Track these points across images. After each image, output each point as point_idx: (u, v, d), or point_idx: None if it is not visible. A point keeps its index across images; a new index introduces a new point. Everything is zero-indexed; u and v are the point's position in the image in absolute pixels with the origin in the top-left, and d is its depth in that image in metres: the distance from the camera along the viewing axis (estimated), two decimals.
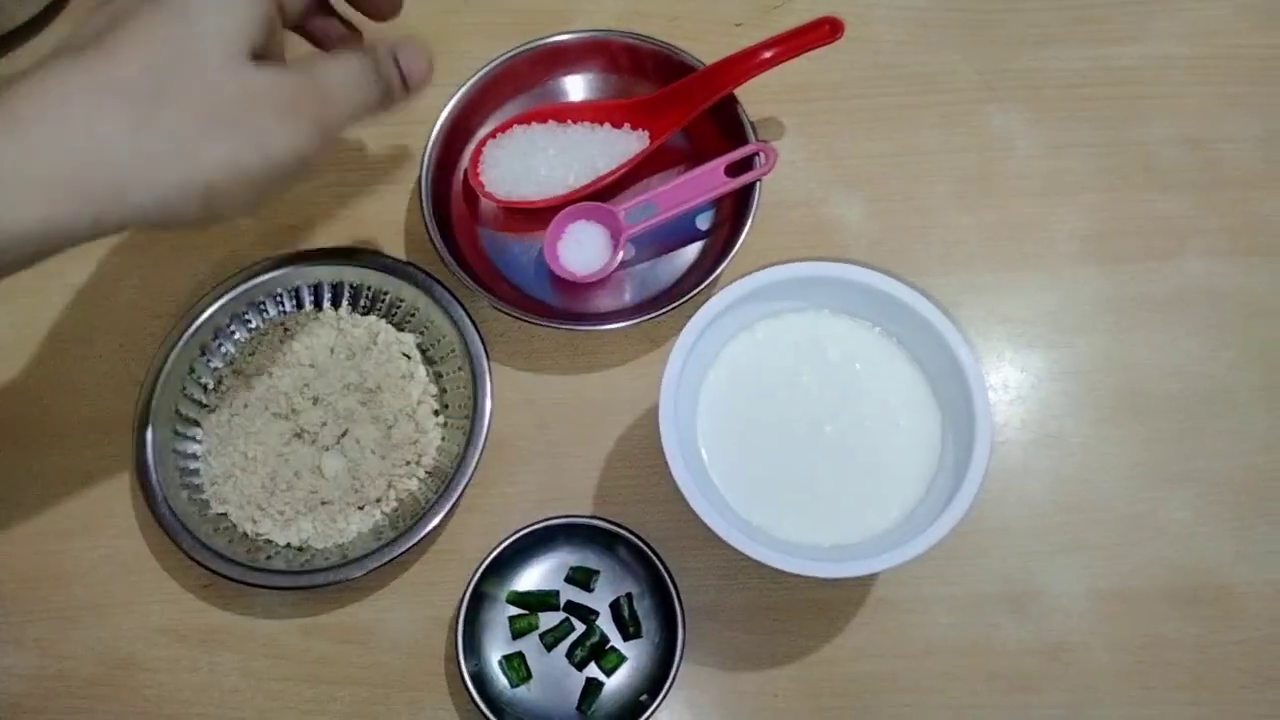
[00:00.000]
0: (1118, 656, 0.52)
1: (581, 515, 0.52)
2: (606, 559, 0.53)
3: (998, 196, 0.62)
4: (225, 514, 0.54)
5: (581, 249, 0.58)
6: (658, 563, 0.51)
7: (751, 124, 0.59)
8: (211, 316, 0.56)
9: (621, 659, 0.51)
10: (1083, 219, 0.61)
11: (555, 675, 0.52)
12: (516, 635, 0.52)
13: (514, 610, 0.53)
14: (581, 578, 0.53)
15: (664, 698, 0.48)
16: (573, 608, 0.53)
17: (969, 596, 0.53)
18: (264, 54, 0.39)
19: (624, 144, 0.61)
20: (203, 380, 0.56)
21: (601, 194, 0.60)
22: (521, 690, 0.51)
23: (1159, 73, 0.64)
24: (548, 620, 0.53)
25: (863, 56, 0.65)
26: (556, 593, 0.53)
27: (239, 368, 0.56)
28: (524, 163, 0.60)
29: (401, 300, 0.57)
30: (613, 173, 0.60)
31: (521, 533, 0.51)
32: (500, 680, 0.51)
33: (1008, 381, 0.58)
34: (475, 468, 0.52)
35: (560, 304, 0.59)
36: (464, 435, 0.53)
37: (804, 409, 0.49)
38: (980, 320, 0.59)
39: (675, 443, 0.46)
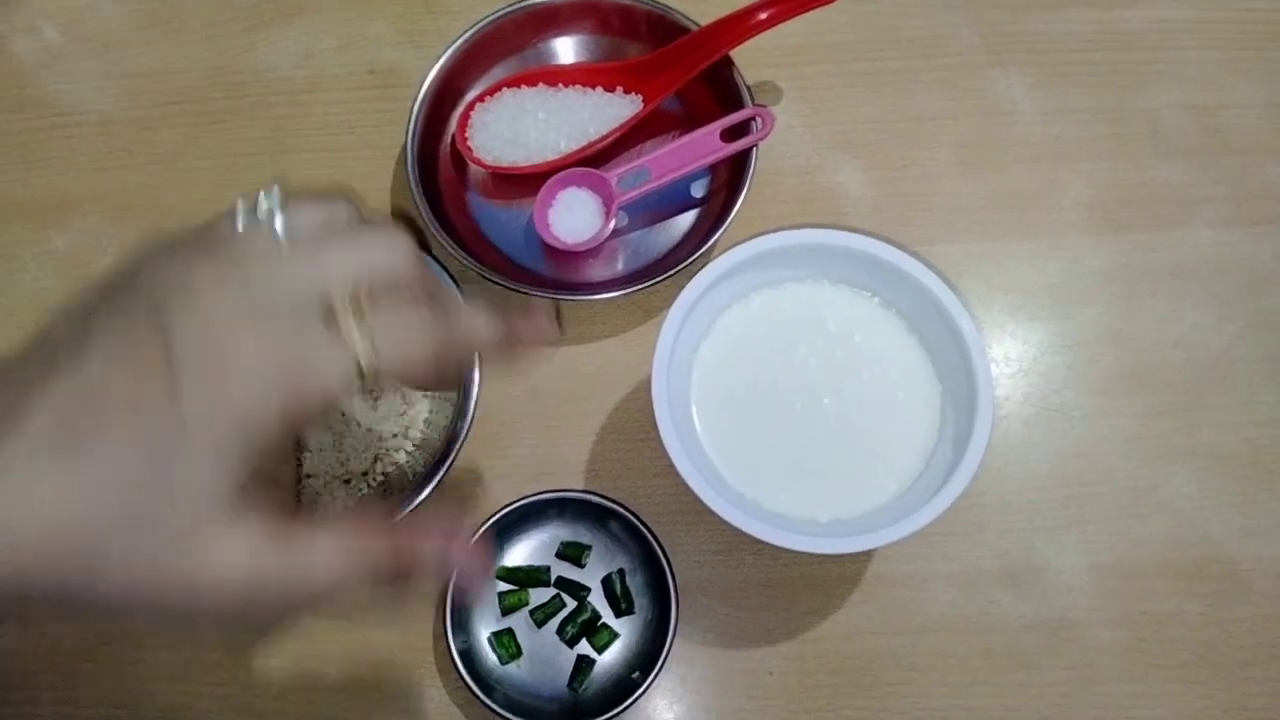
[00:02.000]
0: (1119, 633, 0.51)
1: (573, 490, 0.51)
2: (599, 534, 0.52)
3: (999, 163, 0.60)
4: None
5: (572, 216, 0.57)
6: (650, 538, 0.50)
7: (748, 88, 0.57)
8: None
9: (614, 636, 0.51)
10: (1086, 187, 0.59)
11: (546, 652, 0.51)
12: (506, 612, 0.51)
13: (503, 586, 0.52)
14: (573, 553, 0.52)
15: (657, 674, 0.48)
16: (564, 584, 0.52)
17: (968, 572, 0.52)
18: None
19: (616, 108, 0.59)
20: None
21: (593, 160, 0.58)
22: (511, 667, 0.50)
23: (1165, 37, 0.63)
24: (538, 596, 0.51)
25: (862, 18, 0.63)
26: (547, 568, 0.52)
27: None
28: (513, 127, 0.58)
29: None
30: (605, 138, 0.58)
31: (511, 507, 0.50)
32: (490, 657, 0.50)
33: (1009, 354, 0.56)
34: (464, 441, 0.51)
35: (550, 273, 0.58)
36: (452, 407, 0.52)
37: (801, 381, 0.48)
38: (981, 290, 0.57)
39: (668, 416, 0.45)
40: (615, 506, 0.50)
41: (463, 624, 0.50)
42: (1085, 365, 0.56)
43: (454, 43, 0.58)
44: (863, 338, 0.49)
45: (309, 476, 0.52)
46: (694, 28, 0.58)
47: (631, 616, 0.51)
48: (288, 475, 0.37)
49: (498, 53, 0.61)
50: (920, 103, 0.61)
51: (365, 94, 0.62)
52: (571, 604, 0.51)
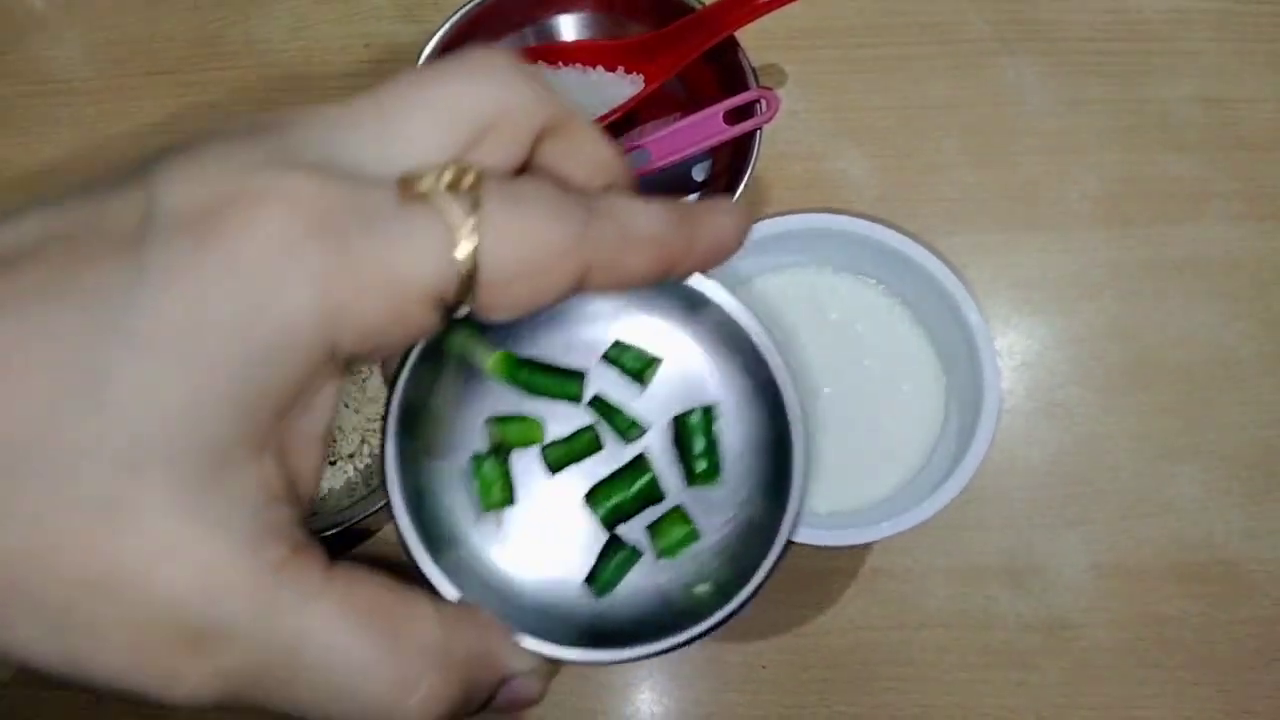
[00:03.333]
0: (1118, 634, 0.50)
1: None
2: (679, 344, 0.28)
3: (1008, 153, 0.59)
4: None
5: None
6: (770, 359, 0.27)
7: (753, 70, 0.56)
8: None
9: (692, 535, 0.28)
10: (1095, 179, 0.58)
11: (555, 511, 0.28)
12: (498, 449, 0.28)
13: (502, 405, 0.28)
14: (632, 366, 0.28)
15: (751, 598, 0.25)
16: (605, 410, 0.28)
17: (967, 568, 0.51)
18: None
19: (616, 88, 0.58)
20: None
21: None
22: (490, 521, 0.27)
23: (1178, 28, 0.61)
24: (558, 426, 0.28)
25: (871, 2, 0.61)
26: (582, 376, 0.28)
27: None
28: None
29: None
30: (604, 118, 0.57)
31: None
32: (458, 499, 0.27)
33: (1013, 347, 0.55)
34: None
35: None
36: None
37: (802, 370, 0.47)
38: (986, 282, 0.56)
39: None
40: (714, 297, 0.26)
41: (419, 433, 0.26)
42: (1090, 361, 0.55)
43: (452, 17, 0.57)
44: (865, 327, 0.48)
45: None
46: (698, 7, 0.56)
47: (713, 487, 0.28)
48: (314, 463, 0.21)
49: (496, 29, 0.59)
50: (928, 90, 0.60)
51: (361, 68, 0.60)
52: (617, 454, 0.28)
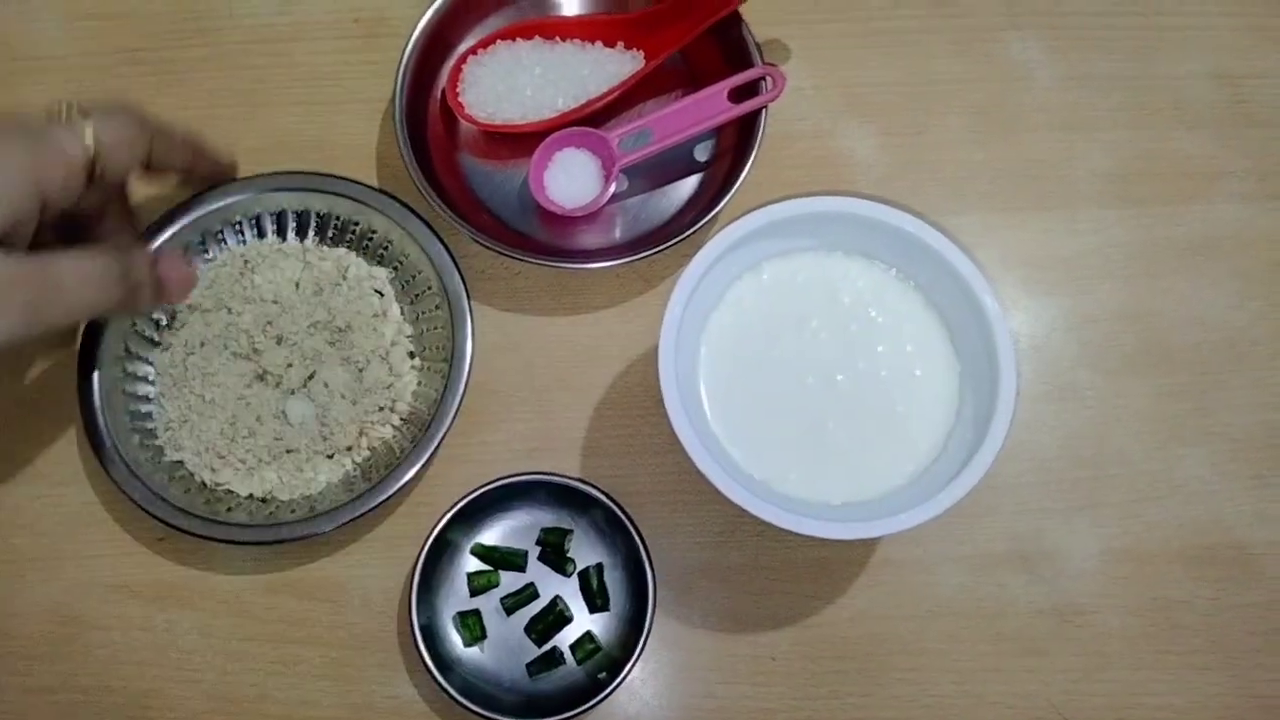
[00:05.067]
0: (1130, 619, 0.50)
1: (557, 475, 0.48)
2: (582, 520, 0.50)
3: (1015, 131, 0.58)
4: (181, 462, 0.50)
5: (570, 179, 0.54)
6: (634, 533, 0.47)
7: (758, 45, 0.54)
8: (163, 246, 0.50)
9: (597, 649, 0.48)
10: (1104, 157, 0.57)
11: (512, 642, 0.49)
12: (475, 592, 0.49)
13: (475, 565, 0.49)
14: (554, 539, 0.49)
15: (624, 678, 0.45)
16: (540, 570, 0.50)
17: (977, 556, 0.50)
18: (5, 240, 0.38)
19: (617, 64, 0.56)
20: (154, 315, 0.51)
21: (592, 119, 0.55)
22: (474, 650, 0.48)
23: (1189, 2, 0.60)
24: (511, 582, 0.49)
25: None
26: (524, 554, 0.49)
27: (195, 303, 0.51)
28: (507, 82, 0.55)
29: (374, 231, 0.52)
30: (604, 95, 0.55)
31: (494, 484, 0.48)
32: (453, 637, 0.48)
33: (1020, 329, 0.54)
34: (455, 415, 0.48)
35: (546, 239, 0.55)
36: (442, 379, 0.49)
37: (814, 357, 0.46)
38: (994, 263, 0.55)
39: (676, 392, 0.42)
40: (599, 495, 0.48)
41: (429, 600, 0.48)
42: (1099, 343, 0.54)
43: None
44: (878, 312, 0.46)
45: (290, 452, 0.50)
46: None
47: (606, 613, 0.49)
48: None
49: (492, 2, 0.57)
50: (935, 66, 0.58)
51: (350, 44, 0.58)
52: (544, 601, 0.49)
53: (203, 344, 0.51)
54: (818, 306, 0.46)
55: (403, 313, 0.52)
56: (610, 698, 0.45)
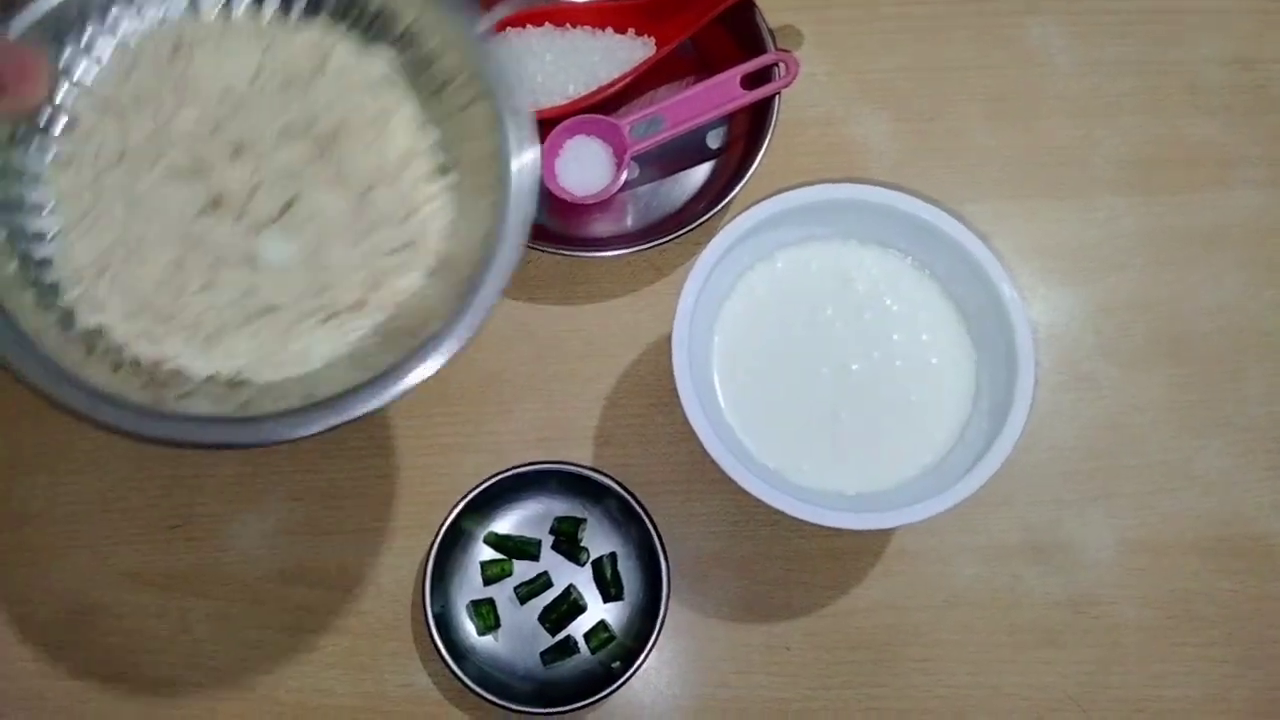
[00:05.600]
0: (1146, 611, 0.49)
1: (570, 464, 0.48)
2: (595, 509, 0.50)
3: (1032, 117, 0.57)
4: (102, 328, 0.35)
5: (581, 167, 0.53)
6: (647, 522, 0.47)
7: (770, 31, 0.54)
8: (55, 10, 0.35)
9: (611, 638, 0.48)
10: (1121, 144, 0.57)
11: (526, 631, 0.48)
12: (488, 581, 0.49)
13: (489, 554, 0.49)
14: (567, 529, 0.49)
15: (638, 668, 0.45)
16: (555, 559, 0.49)
17: (992, 546, 0.50)
18: None
19: (628, 51, 0.55)
20: (47, 111, 0.36)
21: (603, 106, 0.55)
22: (488, 639, 0.48)
23: None
24: (524, 571, 0.49)
25: None
26: (538, 543, 0.49)
27: (106, 98, 0.36)
28: (517, 70, 0.54)
29: None
30: (615, 82, 0.54)
31: (507, 474, 0.48)
32: (467, 626, 0.48)
33: (1036, 318, 0.54)
34: (514, 260, 0.35)
35: (557, 227, 0.54)
36: (490, 209, 0.36)
37: (828, 346, 0.45)
38: (1008, 251, 0.55)
39: (689, 381, 0.42)
40: (612, 484, 0.47)
41: (443, 588, 0.47)
42: (1116, 332, 0.54)
43: None
44: (893, 301, 0.46)
45: (270, 311, 0.36)
46: None
47: (620, 602, 0.49)
48: None
49: None
50: (950, 52, 0.58)
51: None
52: (557, 590, 0.49)
53: (122, 156, 0.36)
54: (832, 295, 0.46)
55: (418, 113, 0.38)
56: (624, 687, 0.45)
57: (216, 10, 0.38)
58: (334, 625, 0.49)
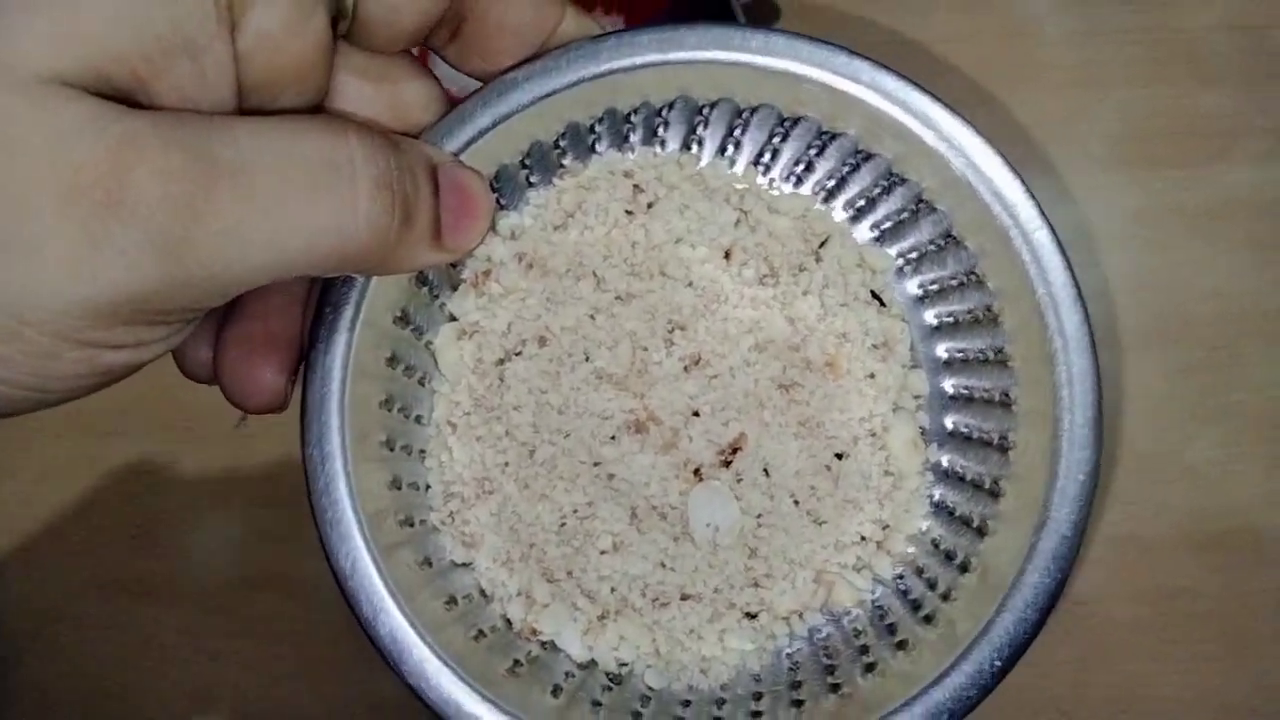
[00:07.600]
0: (1136, 608, 0.48)
1: None
2: None
3: (1021, 89, 0.54)
4: (471, 567, 0.29)
5: None
6: None
7: (743, 4, 0.51)
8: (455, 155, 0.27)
9: None
10: (1116, 117, 0.54)
11: None
12: None
13: None
14: None
15: None
16: None
17: None
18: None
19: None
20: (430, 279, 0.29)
21: None
22: None
23: None
24: None
25: None
26: None
27: (535, 259, 0.28)
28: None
29: (896, 177, 0.30)
30: None
31: None
32: None
33: None
34: (1058, 576, 0.27)
35: None
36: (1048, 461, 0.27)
37: None
38: None
39: None
40: None
41: None
42: (1109, 317, 0.51)
43: None
44: None
45: (685, 599, 0.28)
46: None
47: None
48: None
49: None
50: (932, 20, 0.55)
51: None
52: None
53: (542, 343, 0.28)
54: None
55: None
56: None
57: (675, 148, 0.29)
58: (301, 634, 0.48)
